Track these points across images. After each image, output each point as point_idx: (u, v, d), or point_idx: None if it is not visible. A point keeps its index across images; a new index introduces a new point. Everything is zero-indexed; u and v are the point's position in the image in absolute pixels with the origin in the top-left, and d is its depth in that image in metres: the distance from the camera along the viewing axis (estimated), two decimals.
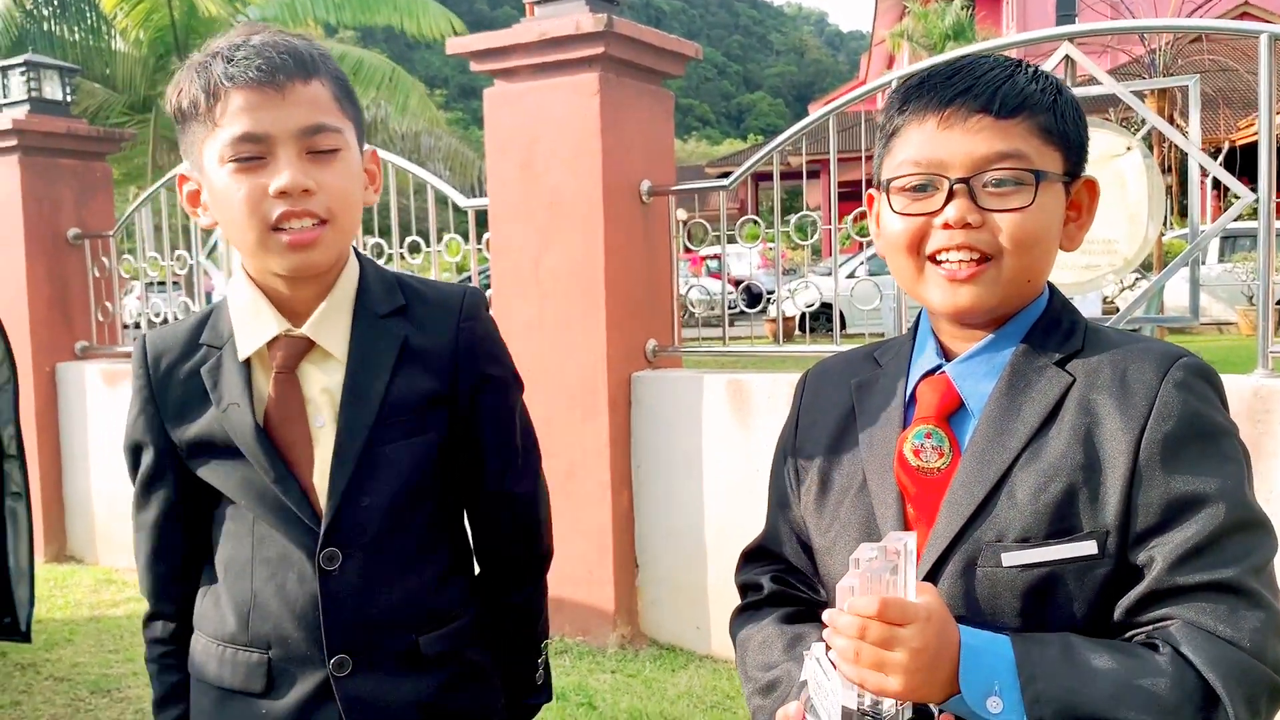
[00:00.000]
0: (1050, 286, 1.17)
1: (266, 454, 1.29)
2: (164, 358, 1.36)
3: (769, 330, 11.09)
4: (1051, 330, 1.13)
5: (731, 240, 4.08)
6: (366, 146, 1.36)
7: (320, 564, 1.29)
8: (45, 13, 13.31)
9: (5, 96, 5.50)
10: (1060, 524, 1.03)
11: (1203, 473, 1.01)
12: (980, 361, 1.13)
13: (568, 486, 3.89)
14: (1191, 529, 1.00)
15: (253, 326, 1.32)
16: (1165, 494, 1.01)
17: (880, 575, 0.95)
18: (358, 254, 1.38)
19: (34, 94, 5.43)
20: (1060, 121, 1.09)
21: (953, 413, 1.13)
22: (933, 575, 1.06)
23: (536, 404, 3.87)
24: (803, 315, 4.10)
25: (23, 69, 5.47)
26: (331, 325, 1.32)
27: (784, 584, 1.28)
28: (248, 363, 1.32)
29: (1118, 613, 1.03)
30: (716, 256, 4.91)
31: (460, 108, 54.22)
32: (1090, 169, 1.16)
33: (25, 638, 3.45)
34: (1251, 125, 16.94)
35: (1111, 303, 11.01)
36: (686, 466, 3.82)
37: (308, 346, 1.32)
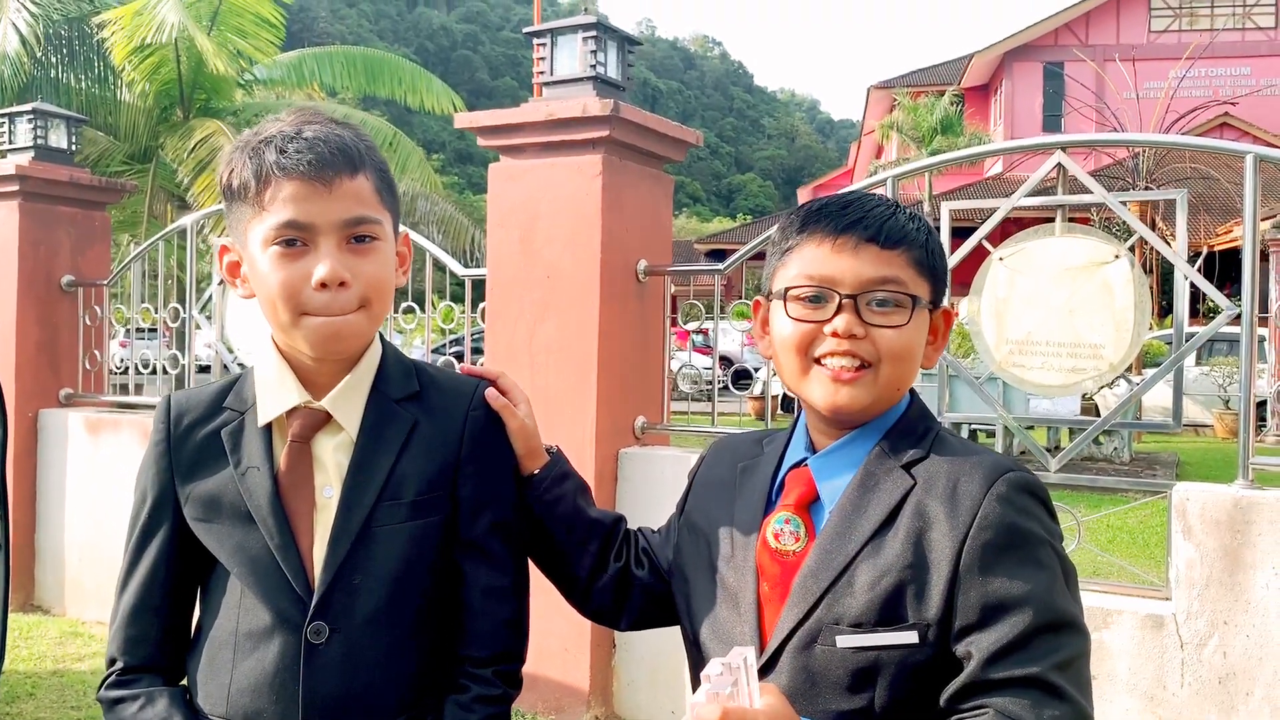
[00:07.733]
0: (911, 392, 1.32)
1: (276, 519, 1.31)
2: (186, 416, 1.39)
3: (753, 408, 11.09)
4: (906, 434, 1.29)
5: (722, 316, 4.14)
6: (401, 228, 1.41)
7: (307, 637, 1.30)
8: (54, 60, 13.48)
9: (11, 142, 5.55)
10: (889, 614, 1.18)
11: (1016, 578, 1.16)
12: (838, 457, 1.30)
13: None
14: (1003, 629, 1.14)
15: (275, 395, 1.36)
16: (982, 596, 1.16)
17: (724, 689, 1.03)
18: (381, 338, 1.42)
19: (39, 141, 5.48)
20: (930, 257, 1.29)
21: (812, 502, 1.29)
22: (781, 647, 1.22)
23: None
24: (785, 395, 4.15)
25: (30, 116, 5.53)
26: (349, 402, 1.36)
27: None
28: (269, 430, 1.35)
29: (942, 700, 1.17)
30: (703, 331, 4.97)
31: (456, 172, 54.79)
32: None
33: None
34: (1230, 231, 17.35)
35: (1090, 399, 11.09)
36: None
37: (324, 420, 1.35)
